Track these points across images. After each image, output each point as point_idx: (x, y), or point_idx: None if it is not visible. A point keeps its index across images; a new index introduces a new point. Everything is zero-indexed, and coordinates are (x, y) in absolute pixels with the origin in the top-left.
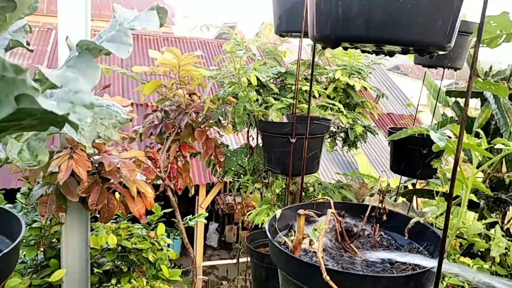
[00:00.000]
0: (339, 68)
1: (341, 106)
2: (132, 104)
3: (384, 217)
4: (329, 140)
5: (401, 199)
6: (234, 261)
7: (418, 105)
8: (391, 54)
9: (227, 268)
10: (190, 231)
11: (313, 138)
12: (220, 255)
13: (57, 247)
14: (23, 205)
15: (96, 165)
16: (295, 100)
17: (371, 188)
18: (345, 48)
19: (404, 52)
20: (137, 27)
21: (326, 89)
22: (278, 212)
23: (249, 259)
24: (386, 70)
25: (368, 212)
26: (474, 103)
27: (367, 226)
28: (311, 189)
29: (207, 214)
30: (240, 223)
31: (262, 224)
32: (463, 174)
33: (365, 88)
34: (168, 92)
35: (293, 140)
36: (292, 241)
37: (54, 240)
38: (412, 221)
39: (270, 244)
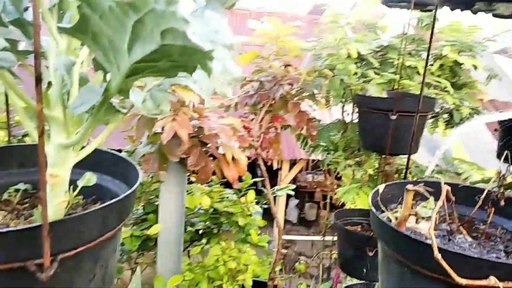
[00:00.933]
0: (447, 43)
1: (448, 84)
2: None
3: (502, 202)
4: (430, 121)
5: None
6: (312, 238)
7: None
8: None
9: (305, 245)
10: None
11: (414, 116)
12: (298, 231)
13: (156, 204)
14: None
15: (196, 129)
16: (398, 75)
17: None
18: (475, 12)
19: None
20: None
21: (431, 66)
22: (381, 187)
23: (335, 237)
24: (493, 53)
25: (484, 195)
26: None
27: (481, 211)
28: (409, 170)
29: (294, 186)
30: (328, 200)
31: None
32: None
33: (475, 67)
34: (264, 63)
35: (393, 117)
36: (396, 218)
37: (153, 196)
38: None
39: (372, 218)
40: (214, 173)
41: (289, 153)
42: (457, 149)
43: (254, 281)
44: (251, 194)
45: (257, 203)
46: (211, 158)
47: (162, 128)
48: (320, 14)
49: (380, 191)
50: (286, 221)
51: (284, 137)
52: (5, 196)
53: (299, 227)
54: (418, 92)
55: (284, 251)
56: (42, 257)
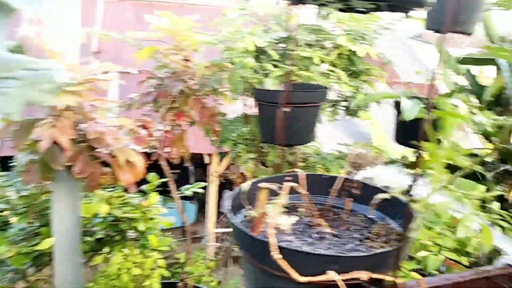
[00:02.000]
0: (343, 33)
1: (341, 73)
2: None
3: (358, 191)
4: (331, 109)
5: (406, 171)
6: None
7: (429, 73)
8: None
9: None
10: (204, 199)
11: (307, 107)
12: None
13: (48, 215)
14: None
15: (84, 133)
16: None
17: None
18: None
19: (379, 9)
20: None
21: (329, 56)
22: (246, 185)
23: None
24: (409, 39)
25: (338, 184)
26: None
27: (339, 200)
28: (311, 159)
29: (203, 184)
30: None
31: None
32: (433, 147)
33: (369, 55)
34: (164, 58)
35: (286, 109)
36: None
37: (45, 208)
38: (377, 197)
39: (230, 221)
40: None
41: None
42: (378, 134)
43: (165, 284)
44: (153, 196)
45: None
46: (104, 163)
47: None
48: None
49: (245, 189)
50: (220, 213)
51: None
52: None
53: None
54: (318, 83)
55: (217, 244)
56: None
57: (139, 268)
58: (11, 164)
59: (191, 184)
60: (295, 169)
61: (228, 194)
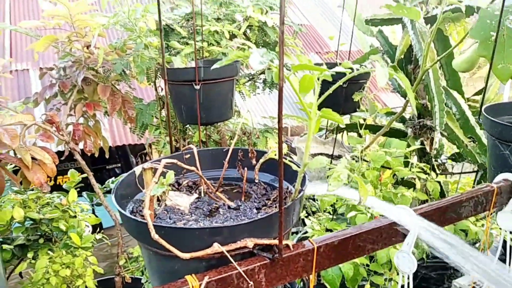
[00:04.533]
0: (250, 4)
1: (252, 45)
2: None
3: (253, 161)
4: (248, 84)
5: (331, 136)
6: None
7: (339, 37)
8: None
9: None
10: None
11: (220, 82)
12: None
13: None
14: None
15: None
16: (192, 44)
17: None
18: None
19: None
20: None
21: (239, 29)
22: (138, 168)
23: None
24: (337, 7)
25: (228, 156)
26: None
27: (234, 172)
28: (239, 136)
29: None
30: None
31: None
32: (308, 105)
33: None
34: (66, 47)
35: (197, 87)
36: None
37: None
38: (261, 160)
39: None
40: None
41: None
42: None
43: (101, 281)
44: (72, 193)
45: (92, 200)
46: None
47: None
48: None
49: (137, 173)
50: None
51: None
52: None
53: None
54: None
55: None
56: None
57: (68, 269)
58: None
59: None
60: (191, 146)
61: (120, 180)
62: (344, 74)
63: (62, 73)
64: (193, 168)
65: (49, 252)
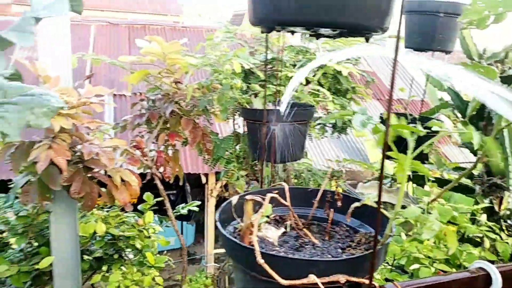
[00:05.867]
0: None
1: (326, 92)
2: (121, 95)
3: (339, 203)
4: (318, 127)
5: (396, 185)
6: None
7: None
8: (333, 36)
9: None
10: (202, 219)
11: (295, 124)
12: None
13: (47, 235)
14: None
15: (79, 154)
16: (264, 88)
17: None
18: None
19: (341, 35)
20: (44, 16)
21: (314, 76)
22: (235, 198)
23: None
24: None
25: (319, 196)
26: None
27: (322, 211)
28: (303, 175)
29: (198, 202)
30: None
31: None
32: (401, 156)
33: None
34: (156, 81)
35: (274, 127)
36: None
37: (44, 228)
38: (352, 206)
39: (218, 230)
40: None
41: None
42: (372, 147)
43: None
44: (149, 215)
45: (161, 223)
46: (100, 183)
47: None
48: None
49: (234, 202)
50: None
51: None
52: None
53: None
54: (305, 101)
55: (216, 265)
56: None
57: (137, 286)
58: (9, 186)
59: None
60: (281, 183)
61: (219, 208)
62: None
63: (151, 104)
64: (287, 203)
65: (121, 267)
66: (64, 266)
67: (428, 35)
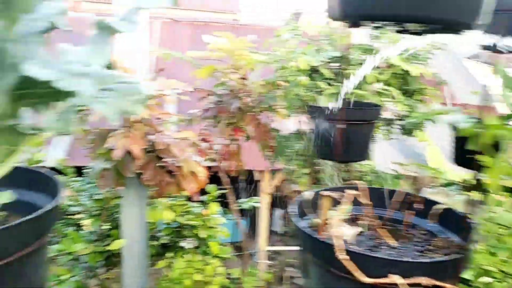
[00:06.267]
0: (395, 53)
1: (395, 92)
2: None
3: (421, 206)
4: (386, 128)
5: (466, 194)
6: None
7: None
8: (420, 33)
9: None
10: (255, 217)
11: (362, 124)
12: (285, 242)
13: (118, 219)
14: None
15: (152, 144)
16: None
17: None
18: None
19: (432, 31)
20: (145, 6)
21: (382, 74)
22: (308, 193)
23: None
24: (466, 59)
25: (397, 197)
26: None
27: (399, 213)
28: (367, 177)
29: (259, 198)
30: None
31: None
32: (494, 161)
33: (422, 75)
34: (222, 77)
35: (342, 126)
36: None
37: (115, 212)
38: (436, 208)
39: (293, 224)
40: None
41: (267, 163)
42: (434, 155)
43: None
44: (213, 206)
45: (223, 215)
46: (170, 172)
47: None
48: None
49: (307, 197)
50: (272, 232)
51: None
52: None
53: (286, 237)
54: (369, 100)
55: (269, 262)
56: None
57: (200, 274)
58: (83, 172)
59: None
60: (354, 181)
61: (291, 203)
62: None
63: (218, 99)
64: (367, 202)
65: (183, 256)
66: (133, 249)
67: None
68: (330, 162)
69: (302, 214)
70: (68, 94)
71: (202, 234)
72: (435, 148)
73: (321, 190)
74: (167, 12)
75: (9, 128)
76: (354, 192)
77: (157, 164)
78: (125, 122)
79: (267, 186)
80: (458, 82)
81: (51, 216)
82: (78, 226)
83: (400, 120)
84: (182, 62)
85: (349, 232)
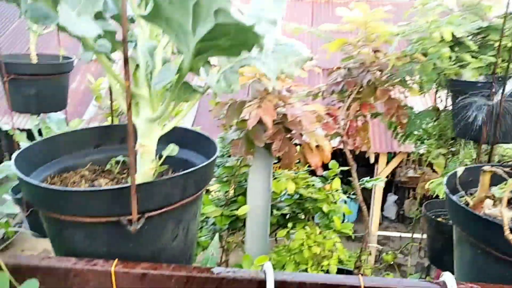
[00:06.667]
0: None
1: None
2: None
3: None
4: None
5: None
6: (409, 235)
7: None
8: None
9: (403, 242)
10: (367, 200)
11: None
12: (397, 228)
13: (245, 187)
14: (221, 149)
15: (281, 116)
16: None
17: None
18: None
19: None
20: None
21: None
22: (460, 169)
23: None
24: None
25: None
26: None
27: None
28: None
29: (385, 178)
30: (419, 191)
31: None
32: None
33: None
34: (353, 49)
35: (491, 103)
36: (473, 199)
37: (242, 180)
38: None
39: (447, 200)
40: (299, 161)
41: (386, 146)
42: None
43: (338, 269)
44: (336, 181)
45: (345, 193)
46: (296, 145)
47: (249, 115)
48: None
49: (459, 174)
50: (384, 218)
51: (382, 130)
52: (108, 166)
53: (398, 224)
54: None
55: (379, 247)
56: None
57: (319, 247)
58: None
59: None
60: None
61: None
62: None
63: (347, 72)
64: None
65: (305, 227)
66: (257, 216)
67: None
68: (471, 143)
69: (453, 191)
70: (255, 41)
71: (325, 208)
72: None
73: (481, 166)
74: None
75: (184, 84)
76: None
77: (286, 136)
78: (257, 94)
79: (383, 169)
80: None
81: (207, 171)
82: (208, 192)
83: None
84: (308, 37)
85: (508, 213)
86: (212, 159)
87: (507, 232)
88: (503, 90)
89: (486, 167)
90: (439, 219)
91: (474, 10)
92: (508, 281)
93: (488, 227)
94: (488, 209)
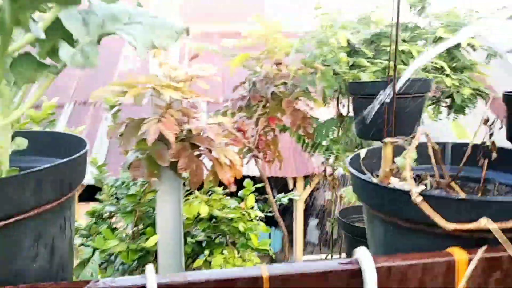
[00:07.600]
0: (441, 26)
1: (444, 64)
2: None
3: (494, 154)
4: (431, 107)
5: None
6: (335, 257)
7: None
8: None
9: None
10: (290, 227)
11: (411, 98)
12: (321, 251)
13: (153, 217)
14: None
15: (186, 132)
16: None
17: None
18: None
19: None
20: None
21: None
22: (363, 151)
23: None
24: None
25: (467, 152)
26: None
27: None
28: None
29: (299, 193)
30: (332, 198)
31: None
32: None
33: (473, 47)
34: (255, 64)
35: (388, 100)
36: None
37: (150, 210)
38: None
39: (353, 178)
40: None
41: (303, 170)
42: (460, 132)
43: None
44: (251, 198)
45: (262, 211)
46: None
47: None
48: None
49: (362, 155)
50: (307, 243)
51: (297, 155)
52: None
53: (321, 247)
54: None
55: None
56: None
57: None
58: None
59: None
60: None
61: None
62: None
63: (252, 86)
64: (435, 146)
65: (223, 252)
66: (168, 245)
67: None
68: (375, 142)
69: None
70: None
71: (241, 227)
72: (460, 126)
73: (374, 148)
74: (198, 26)
75: (26, 56)
76: (423, 129)
77: (193, 152)
78: (157, 109)
79: (300, 194)
80: (499, 76)
81: (69, 170)
82: (116, 229)
83: (448, 97)
84: (214, 56)
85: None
86: (75, 155)
87: (414, 196)
88: (394, 88)
89: (387, 139)
90: (356, 224)
91: (366, 22)
92: (424, 250)
93: (396, 198)
94: (395, 186)
